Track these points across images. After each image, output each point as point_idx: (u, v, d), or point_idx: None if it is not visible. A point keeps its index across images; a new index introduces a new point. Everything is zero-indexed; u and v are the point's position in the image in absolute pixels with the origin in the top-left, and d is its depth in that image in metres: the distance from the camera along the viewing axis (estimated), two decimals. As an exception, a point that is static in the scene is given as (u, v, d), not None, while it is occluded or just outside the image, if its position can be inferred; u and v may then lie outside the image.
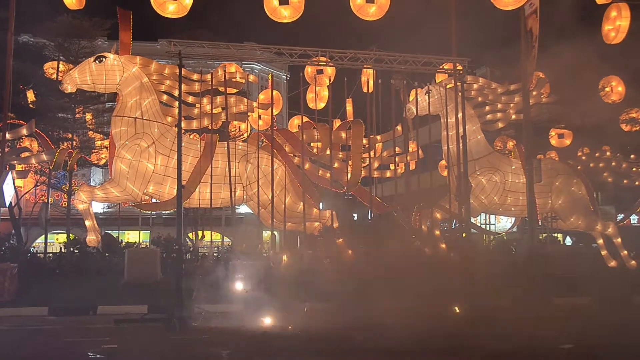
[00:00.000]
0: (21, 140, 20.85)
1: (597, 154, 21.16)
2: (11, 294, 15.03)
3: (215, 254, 21.03)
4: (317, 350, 9.70)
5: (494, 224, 26.29)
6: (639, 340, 10.16)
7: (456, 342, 10.10)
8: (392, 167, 18.92)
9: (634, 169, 21.24)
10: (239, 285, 14.22)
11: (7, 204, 19.92)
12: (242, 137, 20.84)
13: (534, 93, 19.25)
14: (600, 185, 22.58)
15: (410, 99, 19.78)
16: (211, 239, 18.74)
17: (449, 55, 18.85)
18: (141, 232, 31.30)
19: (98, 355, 9.26)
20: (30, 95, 24.03)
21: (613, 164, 21.03)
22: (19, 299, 14.74)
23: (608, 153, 21.17)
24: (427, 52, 16.95)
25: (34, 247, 26.61)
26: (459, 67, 17.33)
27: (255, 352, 9.64)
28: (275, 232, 19.04)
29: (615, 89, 21.00)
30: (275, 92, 18.58)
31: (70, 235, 20.84)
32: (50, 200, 24.12)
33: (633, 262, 19.42)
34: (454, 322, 12.27)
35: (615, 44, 17.32)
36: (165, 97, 17.13)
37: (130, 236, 31.07)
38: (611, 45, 17.46)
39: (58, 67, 23.04)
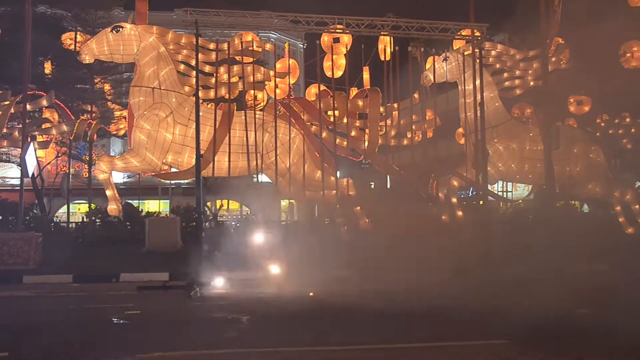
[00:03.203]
0: (42, 112, 21.10)
1: (616, 121, 20.88)
2: (37, 262, 15.46)
3: (234, 223, 21.30)
4: (334, 316, 9.88)
5: (511, 192, 26.18)
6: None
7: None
8: (409, 135, 18.89)
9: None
10: (257, 253, 14.43)
11: (30, 175, 20.25)
12: (259, 106, 20.84)
13: (553, 59, 18.97)
14: (620, 152, 22.31)
15: (428, 67, 19.59)
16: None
17: (466, 22, 18.54)
18: (161, 201, 31.64)
19: (122, 321, 9.55)
20: (49, 67, 24.22)
21: (633, 130, 20.75)
22: (44, 267, 15.14)
23: (628, 119, 20.88)
24: (445, 18, 16.73)
25: (57, 217, 27.15)
26: (477, 34, 17.09)
27: (273, 317, 9.84)
28: (292, 201, 19.21)
29: (636, 54, 20.47)
30: (292, 60, 18.54)
31: (92, 205, 21.19)
32: (71, 170, 24.47)
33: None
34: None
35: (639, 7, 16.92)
36: (182, 66, 17.18)
37: (150, 206, 31.47)
38: (635, 9, 17.05)
39: (75, 38, 23.13)
